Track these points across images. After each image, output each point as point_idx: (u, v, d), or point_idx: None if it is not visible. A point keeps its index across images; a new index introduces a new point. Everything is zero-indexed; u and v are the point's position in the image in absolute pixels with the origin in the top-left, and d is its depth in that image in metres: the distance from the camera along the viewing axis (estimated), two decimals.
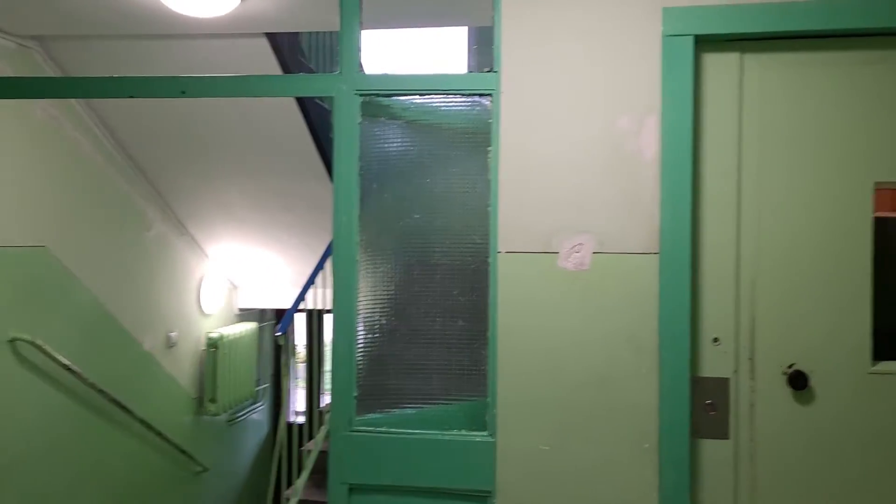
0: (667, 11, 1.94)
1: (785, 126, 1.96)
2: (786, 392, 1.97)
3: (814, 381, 1.95)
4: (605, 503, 1.98)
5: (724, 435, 2.00)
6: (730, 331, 1.99)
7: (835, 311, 1.94)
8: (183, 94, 2.19)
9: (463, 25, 2.75)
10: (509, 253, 2.02)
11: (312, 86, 2.20)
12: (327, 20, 2.17)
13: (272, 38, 3.12)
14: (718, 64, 1.99)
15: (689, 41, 1.93)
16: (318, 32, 4.70)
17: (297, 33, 3.71)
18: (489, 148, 2.05)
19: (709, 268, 1.99)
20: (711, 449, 2.00)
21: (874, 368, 1.93)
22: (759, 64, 1.97)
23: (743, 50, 1.98)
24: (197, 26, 2.94)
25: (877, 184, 1.93)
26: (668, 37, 1.94)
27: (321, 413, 5.00)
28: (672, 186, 1.94)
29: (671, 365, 1.95)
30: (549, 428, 2.00)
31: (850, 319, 1.93)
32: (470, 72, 2.10)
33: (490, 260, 2.04)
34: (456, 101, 2.11)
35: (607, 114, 1.98)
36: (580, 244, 2.00)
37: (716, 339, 2.00)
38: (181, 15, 2.76)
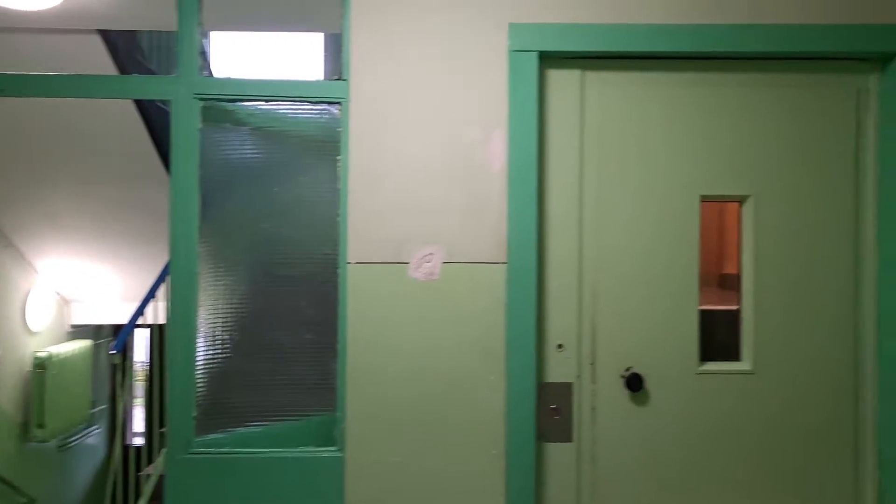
0: (513, 27, 1.99)
1: (622, 141, 2.07)
2: (624, 394, 2.07)
3: (648, 383, 2.06)
4: None
5: (567, 438, 2.06)
6: (573, 337, 2.06)
7: (667, 317, 2.06)
8: (1, 92, 2.00)
9: (312, 31, 2.69)
10: (359, 263, 1.99)
11: (147, 88, 2.07)
12: (165, 19, 2.05)
13: (107, 35, 2.92)
14: (562, 80, 2.06)
15: (534, 57, 1.99)
16: (162, 32, 4.46)
17: (135, 32, 3.49)
18: (338, 157, 2.01)
19: (554, 277, 2.06)
20: (556, 452, 2.06)
21: (701, 369, 2.06)
22: (598, 81, 2.07)
23: (584, 67, 2.07)
24: (20, 20, 2.69)
25: (702, 197, 2.07)
26: (514, 52, 1.99)
27: (162, 435, 4.71)
28: (519, 198, 1.99)
29: (518, 372, 1.99)
30: (400, 439, 1.99)
31: (680, 324, 2.06)
32: (326, 79, 2.04)
33: (340, 271, 2.00)
34: (304, 109, 2.06)
35: (457, 125, 2.00)
36: (430, 254, 2.00)
37: (560, 346, 2.07)
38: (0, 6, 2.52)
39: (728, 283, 2.40)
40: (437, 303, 2.00)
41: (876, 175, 2.05)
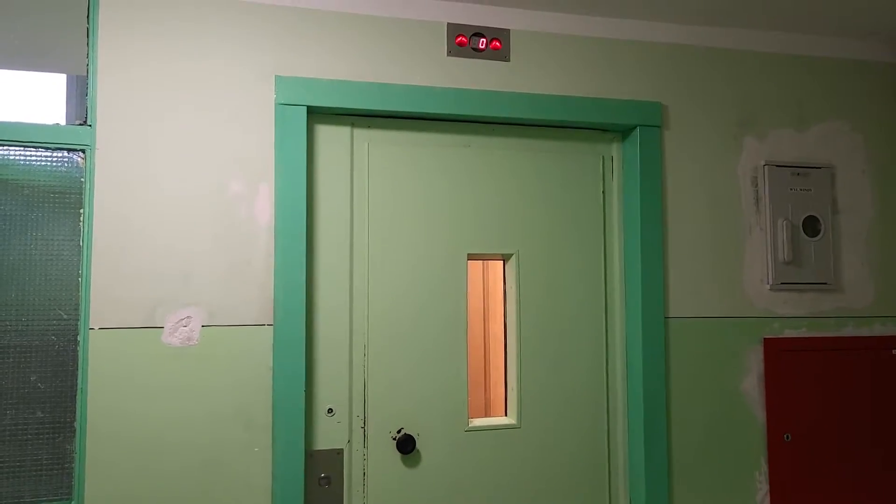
0: (280, 80, 1.92)
1: (392, 199, 2.07)
2: (396, 457, 2.03)
3: (420, 444, 2.04)
4: None
5: None
6: (344, 400, 2.00)
7: (437, 376, 2.07)
8: None
9: (54, 72, 2.43)
10: (104, 329, 1.78)
11: None
12: None
13: None
14: (331, 136, 2.03)
15: (302, 111, 1.94)
16: None
17: None
18: (81, 210, 1.80)
19: (323, 338, 1.99)
20: None
21: (470, 425, 2.08)
22: (367, 139, 2.06)
23: (354, 124, 2.05)
24: None
25: (469, 255, 2.12)
26: (282, 105, 1.93)
27: None
28: (286, 255, 1.90)
29: (285, 440, 1.88)
30: None
31: (449, 383, 2.07)
32: (68, 123, 1.83)
33: (80, 338, 1.77)
34: (41, 156, 1.82)
35: (220, 178, 1.88)
36: (188, 317, 1.84)
37: (330, 410, 1.99)
38: None
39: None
40: (195, 370, 1.84)
41: (620, 232, 2.23)
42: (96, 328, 1.77)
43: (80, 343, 1.77)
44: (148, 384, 1.80)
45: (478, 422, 2.12)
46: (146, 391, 1.80)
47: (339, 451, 1.99)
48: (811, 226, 2.27)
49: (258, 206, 1.91)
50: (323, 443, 1.97)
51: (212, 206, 1.87)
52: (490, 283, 3.01)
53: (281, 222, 1.91)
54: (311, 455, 1.96)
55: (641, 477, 2.12)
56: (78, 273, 1.78)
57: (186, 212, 1.86)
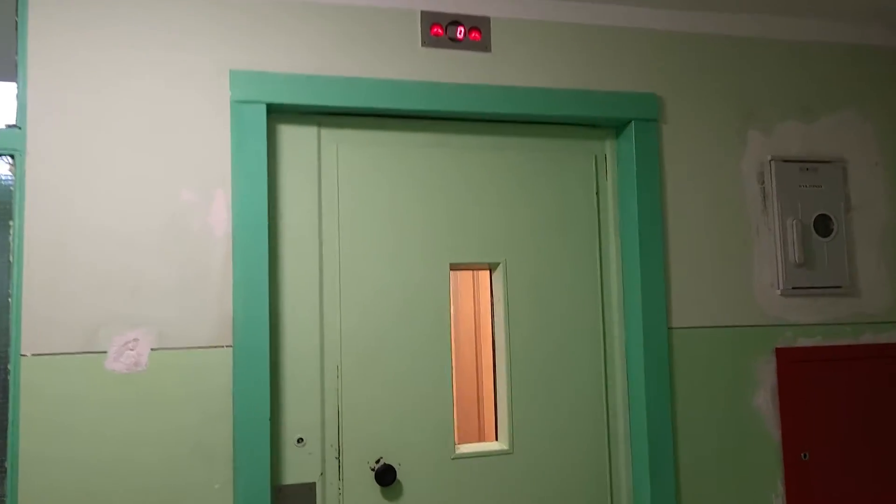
0: (235, 75, 1.74)
1: (363, 206, 1.88)
2: (375, 490, 1.82)
3: (401, 474, 1.84)
4: None
5: None
6: (315, 428, 1.79)
7: (419, 398, 1.87)
8: None
9: None
10: (38, 356, 1.57)
11: None
12: None
13: None
14: (295, 136, 1.84)
15: (261, 109, 1.75)
16: None
17: None
18: (11, 222, 1.60)
19: (290, 359, 1.79)
20: None
21: (457, 452, 1.88)
22: (335, 140, 1.87)
23: (320, 124, 1.86)
24: None
25: (452, 265, 1.93)
26: (238, 103, 1.74)
27: None
28: (246, 268, 1.71)
29: (249, 475, 1.67)
30: None
31: (433, 406, 1.87)
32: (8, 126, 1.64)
33: (10, 366, 1.57)
34: None
35: (170, 185, 1.69)
36: (135, 339, 1.64)
37: (300, 440, 1.78)
38: None
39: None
40: (144, 400, 1.63)
41: (616, 237, 2.04)
42: (29, 354, 1.57)
43: (11, 372, 1.56)
44: (90, 418, 1.59)
45: (466, 448, 1.91)
46: (88, 426, 1.59)
47: (311, 486, 1.78)
48: (823, 225, 2.09)
49: (214, 214, 1.71)
50: (292, 476, 1.77)
51: (161, 216, 1.68)
52: (481, 297, 2.82)
53: (240, 232, 1.71)
54: (279, 490, 1.75)
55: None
56: (7, 293, 1.58)
57: (132, 222, 1.66)
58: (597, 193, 2.05)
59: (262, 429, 1.69)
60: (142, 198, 1.67)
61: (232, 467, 1.67)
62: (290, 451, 1.77)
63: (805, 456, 2.02)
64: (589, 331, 2.00)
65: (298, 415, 1.78)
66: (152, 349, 1.65)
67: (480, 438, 2.52)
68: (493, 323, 2.01)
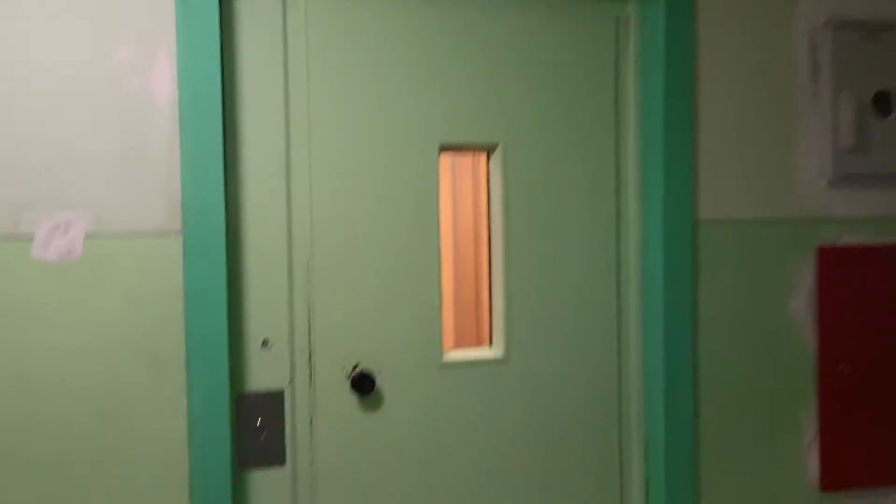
0: None
1: (338, 73, 1.58)
2: (351, 399, 1.61)
3: (381, 382, 1.62)
4: None
5: (279, 461, 1.57)
6: (283, 329, 1.56)
7: (402, 300, 1.63)
8: None
9: None
10: None
11: None
12: None
13: None
14: None
15: None
16: None
17: None
18: None
19: (253, 250, 1.54)
20: (264, 481, 1.56)
21: (445, 360, 1.65)
22: None
23: None
24: None
25: (442, 146, 1.65)
26: None
27: None
28: (196, 142, 1.44)
29: (204, 381, 1.46)
30: (19, 499, 1.38)
31: (418, 308, 1.63)
32: None
33: None
34: None
35: (102, 38, 1.41)
36: (66, 222, 1.40)
37: (265, 342, 1.56)
38: None
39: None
40: (80, 294, 1.40)
41: (637, 113, 1.74)
42: None
43: None
44: (14, 314, 1.37)
45: (455, 355, 1.69)
46: (14, 322, 1.37)
47: (279, 394, 1.57)
48: (883, 103, 1.77)
49: (156, 77, 1.44)
50: (257, 383, 1.56)
51: (93, 76, 1.41)
52: (481, 194, 2.55)
53: (188, 100, 1.44)
54: (241, 399, 1.54)
55: (660, 421, 1.70)
56: None
57: (58, 84, 1.39)
58: (616, 63, 1.74)
59: (219, 329, 1.47)
60: (69, 54, 1.39)
61: (184, 373, 1.45)
62: (254, 356, 1.55)
63: (843, 368, 1.77)
64: (601, 220, 1.73)
65: (263, 314, 1.55)
66: (87, 235, 1.41)
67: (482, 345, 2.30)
68: (489, 211, 1.74)
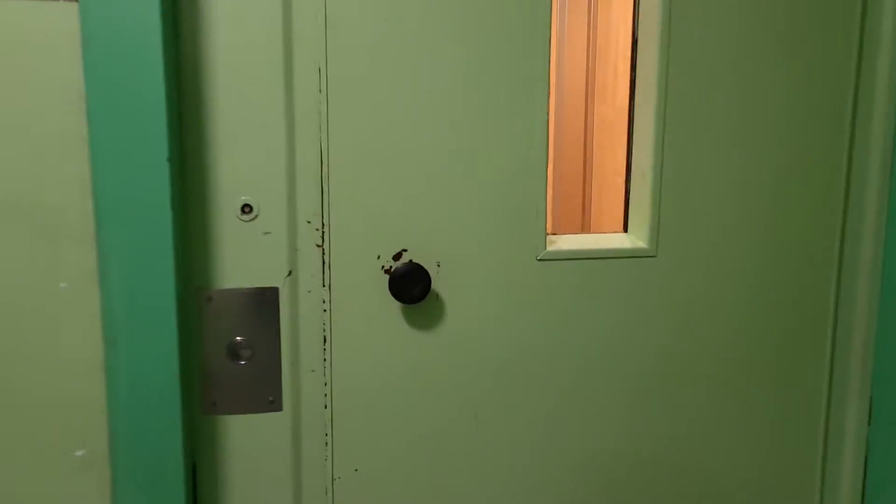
0: None
1: None
2: (390, 308, 0.96)
3: (439, 283, 0.96)
4: None
5: (270, 405, 0.95)
6: (277, 187, 0.91)
7: (479, 147, 0.94)
8: None
9: None
10: None
11: None
12: None
13: None
14: None
15: None
16: None
17: None
18: None
19: (222, 46, 0.87)
20: (244, 435, 0.95)
21: (549, 250, 0.98)
22: None
23: None
24: None
25: None
26: None
27: None
28: None
29: (129, 268, 0.83)
30: None
31: (505, 164, 0.95)
32: None
33: None
34: None
35: None
36: None
37: (247, 207, 0.91)
38: None
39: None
40: None
41: None
42: None
43: None
44: None
45: (567, 241, 1.01)
46: None
47: (271, 293, 0.93)
48: None
49: None
50: (233, 276, 0.92)
51: None
52: (599, 24, 1.81)
53: None
54: (208, 300, 0.91)
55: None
56: None
57: None
58: None
59: (158, 175, 0.83)
60: None
61: (94, 251, 0.83)
62: (228, 228, 0.91)
63: None
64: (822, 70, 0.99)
65: (241, 160, 0.90)
66: None
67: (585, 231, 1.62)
68: (634, 45, 1.02)
